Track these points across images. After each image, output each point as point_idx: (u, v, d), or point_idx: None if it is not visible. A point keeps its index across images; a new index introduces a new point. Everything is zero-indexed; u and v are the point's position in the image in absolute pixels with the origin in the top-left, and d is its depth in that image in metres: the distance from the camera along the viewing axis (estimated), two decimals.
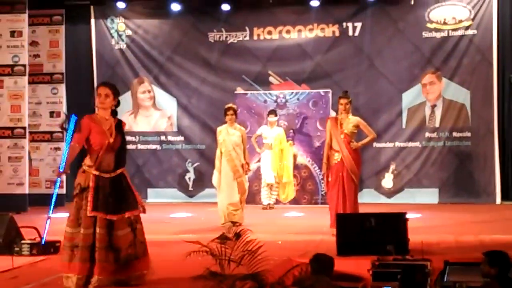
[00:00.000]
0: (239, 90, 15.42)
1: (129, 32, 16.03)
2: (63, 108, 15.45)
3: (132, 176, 15.48)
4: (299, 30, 15.45)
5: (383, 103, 15.08)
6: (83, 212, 6.91)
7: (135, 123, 16.01)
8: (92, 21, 16.02)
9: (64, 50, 15.45)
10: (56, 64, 15.44)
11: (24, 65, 14.23)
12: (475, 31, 14.66)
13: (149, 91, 16.05)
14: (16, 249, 8.82)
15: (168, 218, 12.92)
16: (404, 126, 15.05)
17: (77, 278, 6.85)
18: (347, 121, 10.41)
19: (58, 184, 6.92)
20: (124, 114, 15.88)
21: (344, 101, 10.42)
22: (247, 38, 15.61)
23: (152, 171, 15.89)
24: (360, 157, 10.66)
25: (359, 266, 7.65)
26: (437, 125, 14.89)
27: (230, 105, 11.70)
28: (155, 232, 10.95)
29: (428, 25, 14.86)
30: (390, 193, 14.96)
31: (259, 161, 14.48)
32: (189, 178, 15.70)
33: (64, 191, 14.85)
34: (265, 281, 5.49)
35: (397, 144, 15.04)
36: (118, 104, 7.38)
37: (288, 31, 15.49)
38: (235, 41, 15.66)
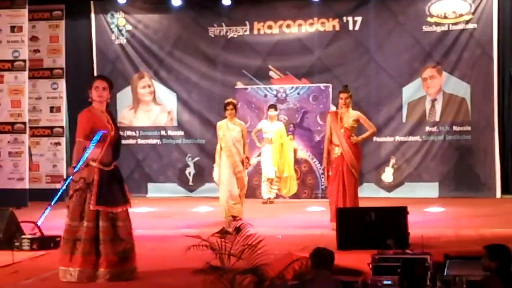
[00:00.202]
0: (239, 85, 15.41)
1: (129, 27, 16.01)
2: (64, 103, 15.45)
3: (132, 171, 15.77)
4: (300, 25, 15.43)
5: (383, 97, 15.08)
6: (87, 205, 6.93)
7: (135, 118, 16.01)
8: (92, 16, 16.01)
9: (64, 45, 15.45)
10: (56, 59, 15.45)
11: (24, 60, 14.23)
12: (475, 25, 14.65)
13: (149, 86, 16.04)
14: (17, 244, 8.82)
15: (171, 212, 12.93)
16: (404, 120, 15.04)
17: (79, 271, 6.86)
18: (347, 115, 10.40)
19: (68, 181, 6.92)
20: (124, 109, 15.94)
21: (344, 95, 10.41)
22: (248, 32, 15.60)
23: (152, 166, 15.90)
24: (360, 151, 10.66)
25: (359, 260, 7.65)
26: (437, 119, 14.89)
27: (230, 100, 11.69)
28: (156, 226, 11.01)
29: (429, 19, 14.85)
30: (390, 187, 14.97)
31: (259, 155, 14.48)
32: (189, 173, 15.70)
33: (64, 186, 14.85)
34: (265, 275, 5.50)
35: (397, 138, 15.04)
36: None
37: (288, 26, 15.48)
38: (235, 36, 15.65)
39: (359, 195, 10.56)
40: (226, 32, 15.67)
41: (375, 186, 14.96)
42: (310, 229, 10.37)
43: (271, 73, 15.47)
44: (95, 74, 15.67)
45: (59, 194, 7.05)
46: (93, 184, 6.95)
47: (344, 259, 7.53)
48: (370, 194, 14.12)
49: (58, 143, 15.45)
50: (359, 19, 15.15)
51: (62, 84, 15.46)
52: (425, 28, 14.87)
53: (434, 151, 14.87)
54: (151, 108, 16.07)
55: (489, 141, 14.58)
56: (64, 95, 15.51)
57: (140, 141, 15.90)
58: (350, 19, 15.19)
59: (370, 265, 7.36)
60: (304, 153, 14.77)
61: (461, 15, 14.74)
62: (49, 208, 7.23)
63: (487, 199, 13.99)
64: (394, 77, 15.03)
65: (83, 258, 6.89)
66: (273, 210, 13.29)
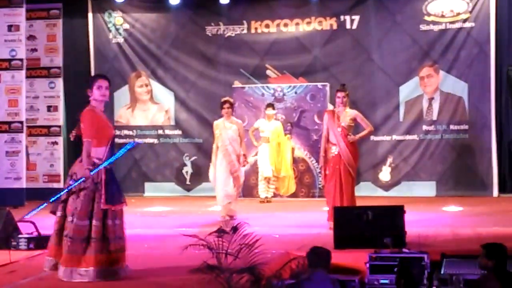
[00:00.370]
0: (237, 84, 15.41)
1: (126, 26, 16.01)
2: (61, 103, 15.44)
3: (129, 170, 15.77)
4: (297, 24, 15.44)
5: (380, 96, 15.08)
6: (96, 204, 6.94)
7: (132, 117, 16.01)
8: (90, 15, 16.01)
9: (62, 44, 15.45)
10: (53, 58, 15.44)
11: (21, 59, 14.20)
12: (472, 24, 14.66)
13: (146, 85, 16.04)
14: (14, 243, 8.81)
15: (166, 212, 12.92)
16: (401, 119, 15.05)
17: (96, 271, 6.88)
18: (344, 114, 10.40)
19: (80, 181, 6.91)
20: (121, 108, 15.93)
21: (342, 94, 10.41)
22: (245, 31, 15.60)
23: (149, 165, 15.90)
24: (357, 150, 10.67)
25: (356, 259, 7.67)
26: (434, 118, 14.89)
27: (226, 98, 11.65)
28: (153, 226, 11.01)
29: (426, 18, 14.85)
30: (387, 186, 14.97)
31: (256, 154, 14.47)
32: (187, 172, 15.70)
33: (61, 185, 14.86)
34: (262, 274, 5.50)
35: (395, 137, 15.05)
36: None
37: (286, 25, 15.48)
38: (233, 35, 15.65)
39: (356, 194, 10.56)
40: (224, 31, 15.67)
41: (372, 185, 14.97)
42: (307, 228, 10.36)
43: (269, 72, 15.47)
44: (93, 73, 15.68)
45: (63, 193, 7.01)
46: (101, 183, 6.97)
47: (341, 258, 7.54)
48: (367, 193, 14.14)
49: (56, 143, 15.44)
50: (356, 18, 15.16)
51: (59, 83, 15.46)
52: (423, 27, 14.88)
53: (431, 150, 14.88)
54: (148, 107, 16.07)
55: (486, 140, 14.59)
56: (61, 94, 15.51)
57: (137, 140, 15.89)
58: (347, 18, 15.19)
59: (367, 264, 7.37)
60: (301, 152, 14.78)
61: (458, 14, 14.75)
62: (45, 204, 7.19)
63: (484, 197, 14.01)
64: (391, 76, 15.04)
65: (97, 256, 6.90)
66: (270, 209, 13.28)
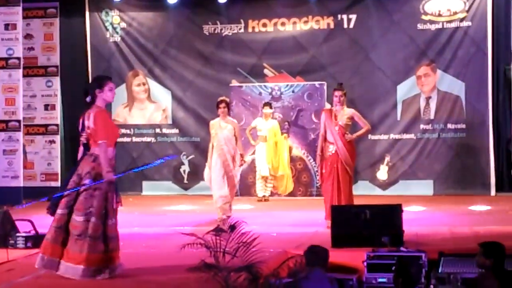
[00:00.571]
0: (234, 83, 15.41)
1: (123, 25, 16.00)
2: (58, 101, 15.43)
3: (127, 169, 15.69)
4: (294, 23, 15.43)
5: (378, 95, 15.08)
6: (110, 204, 7.06)
7: (129, 116, 16.00)
8: (87, 14, 15.98)
9: (59, 43, 15.42)
10: (50, 57, 15.42)
11: (18, 58, 14.17)
12: (469, 23, 14.66)
13: (143, 84, 16.03)
14: (11, 242, 8.83)
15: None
16: (399, 118, 15.05)
17: (117, 267, 7.07)
18: (342, 113, 10.41)
19: (99, 182, 6.94)
20: (119, 106, 15.91)
21: (339, 93, 10.41)
22: (242, 30, 15.59)
23: (147, 164, 15.85)
24: (354, 149, 10.67)
25: (353, 257, 7.68)
26: (432, 117, 14.90)
27: (222, 98, 11.60)
28: (150, 224, 11.02)
29: (423, 17, 14.85)
30: (385, 185, 14.97)
31: (253, 153, 14.47)
32: (184, 171, 15.68)
33: (59, 184, 14.89)
34: (259, 272, 5.51)
35: (392, 136, 15.05)
36: None
37: (283, 24, 15.48)
38: (230, 34, 15.64)
39: (354, 193, 10.58)
40: (221, 30, 15.66)
41: (370, 184, 14.97)
42: (305, 227, 10.38)
43: (266, 71, 15.47)
44: (90, 72, 15.70)
45: (71, 191, 7.03)
46: (113, 183, 7.08)
47: (338, 256, 7.55)
48: (364, 192, 14.14)
49: (53, 141, 15.43)
50: (353, 17, 15.15)
51: (56, 82, 15.44)
52: (420, 26, 14.88)
53: (429, 149, 14.89)
54: (145, 106, 16.06)
55: (484, 138, 14.59)
56: (58, 93, 15.50)
57: (134, 139, 15.88)
58: (344, 17, 15.19)
59: (365, 263, 7.38)
60: (298, 151, 14.78)
61: (455, 13, 14.75)
62: (46, 198, 7.17)
63: (481, 196, 13.99)
64: (388, 75, 15.04)
65: (116, 254, 7.08)
66: (268, 208, 13.29)
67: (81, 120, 7.25)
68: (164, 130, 15.93)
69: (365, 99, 14.84)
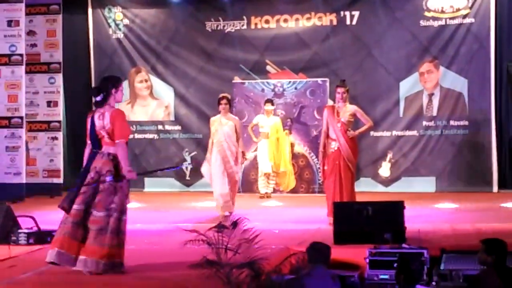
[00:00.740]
0: (237, 79, 15.40)
1: (126, 21, 16.01)
2: (61, 98, 15.43)
3: (129, 165, 15.69)
4: (297, 19, 15.42)
5: (380, 92, 15.07)
6: (127, 201, 7.18)
7: (132, 113, 15.99)
8: (90, 10, 16.01)
9: (62, 39, 15.40)
10: (53, 53, 15.40)
11: (21, 55, 14.19)
12: (472, 20, 14.64)
13: (146, 81, 16.04)
14: (13, 238, 8.82)
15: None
16: (401, 115, 15.04)
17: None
18: (344, 110, 10.40)
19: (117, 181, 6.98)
20: (121, 103, 15.88)
21: (342, 89, 10.41)
22: (245, 27, 15.59)
23: (149, 160, 15.87)
24: (357, 146, 10.68)
25: (356, 254, 7.68)
26: (434, 113, 14.89)
27: (224, 94, 11.62)
28: (153, 220, 11.02)
29: (426, 13, 14.84)
30: (387, 182, 14.97)
31: (255, 150, 14.47)
32: (186, 168, 15.67)
33: (61, 180, 14.91)
34: (261, 269, 5.50)
35: (394, 132, 15.04)
36: None
37: (285, 20, 15.47)
38: (233, 30, 15.64)
39: (356, 189, 10.57)
40: (224, 26, 15.66)
41: (372, 181, 14.97)
42: (307, 223, 10.37)
43: (269, 68, 15.46)
44: (92, 68, 15.75)
45: (92, 185, 7.10)
46: (127, 181, 7.17)
47: (341, 253, 7.55)
48: (367, 189, 14.14)
49: (55, 138, 15.42)
50: (356, 13, 15.14)
51: (59, 78, 15.43)
52: (423, 23, 14.86)
53: (431, 145, 14.88)
54: (148, 103, 16.07)
55: (486, 135, 14.59)
56: (61, 89, 15.49)
57: (137, 136, 15.88)
58: (347, 13, 15.18)
59: (367, 260, 7.38)
60: (301, 148, 14.78)
61: (458, 10, 14.73)
62: (75, 190, 7.16)
63: (484, 193, 13.99)
64: (391, 72, 15.03)
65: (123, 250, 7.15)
66: (270, 205, 13.29)
67: (89, 119, 7.24)
68: (167, 127, 15.94)
69: (367, 95, 14.82)
